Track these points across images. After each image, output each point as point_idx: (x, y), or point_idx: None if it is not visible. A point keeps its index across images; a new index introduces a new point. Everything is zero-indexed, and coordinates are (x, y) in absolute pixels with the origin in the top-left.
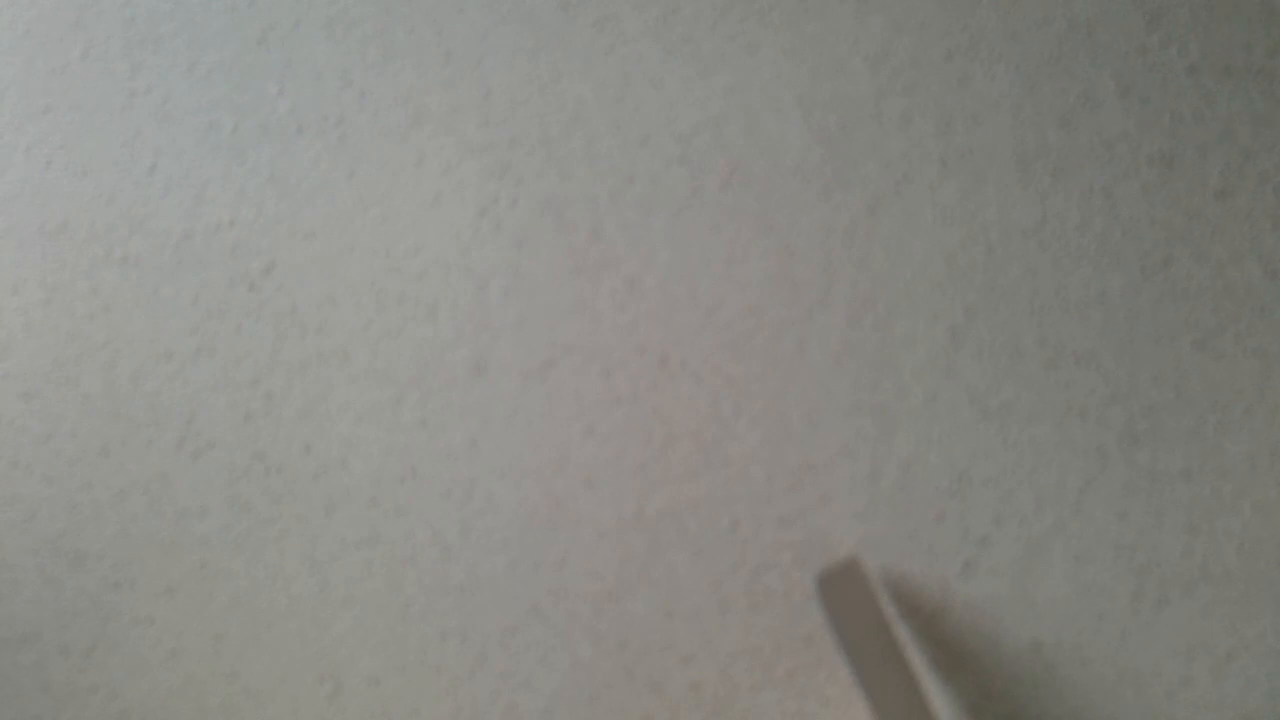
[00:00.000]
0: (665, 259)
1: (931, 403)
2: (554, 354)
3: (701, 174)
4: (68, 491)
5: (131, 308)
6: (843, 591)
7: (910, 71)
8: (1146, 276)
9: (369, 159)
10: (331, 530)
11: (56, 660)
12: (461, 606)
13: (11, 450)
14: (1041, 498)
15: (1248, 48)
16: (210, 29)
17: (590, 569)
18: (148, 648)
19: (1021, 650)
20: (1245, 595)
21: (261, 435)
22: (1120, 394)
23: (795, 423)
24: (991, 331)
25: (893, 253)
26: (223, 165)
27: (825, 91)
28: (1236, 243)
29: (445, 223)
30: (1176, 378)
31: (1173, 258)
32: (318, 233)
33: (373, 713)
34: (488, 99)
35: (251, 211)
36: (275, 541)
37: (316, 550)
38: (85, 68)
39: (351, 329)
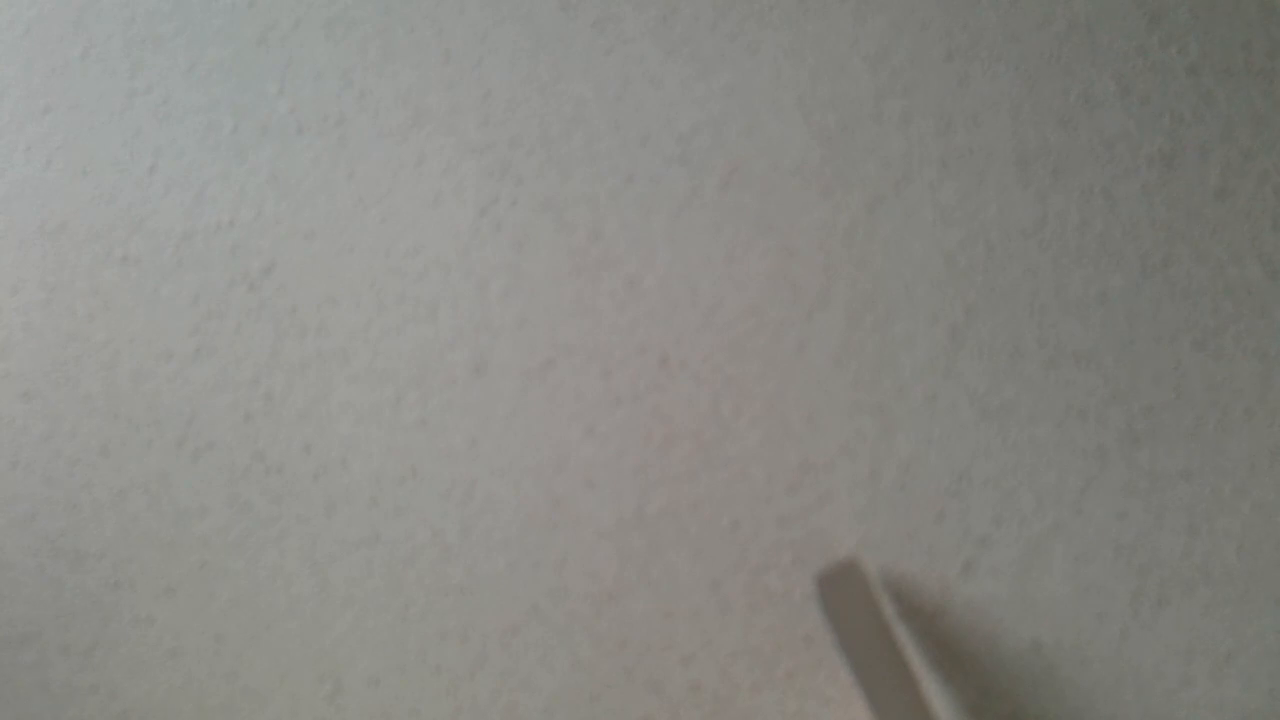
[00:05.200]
0: (665, 259)
1: (931, 403)
2: (554, 354)
3: (701, 174)
4: (68, 491)
5: (131, 308)
6: (842, 592)
7: (910, 71)
8: (1146, 276)
9: (369, 159)
10: (331, 530)
11: (56, 660)
12: (461, 606)
13: (11, 450)
14: (1041, 498)
15: (1248, 48)
16: (210, 29)
17: (590, 569)
18: (148, 648)
19: (1021, 650)
20: (1245, 595)
21: (261, 435)
22: (1120, 394)
23: (795, 423)
24: (991, 331)
25: (893, 253)
26: (223, 165)
27: (825, 91)
28: (1236, 243)
29: (445, 223)
30: (1176, 378)
31: (1173, 258)
32: (318, 233)
33: (373, 713)
34: (488, 99)
35: (251, 211)
36: (275, 541)
37: (316, 550)
38: (85, 68)
39: (351, 329)
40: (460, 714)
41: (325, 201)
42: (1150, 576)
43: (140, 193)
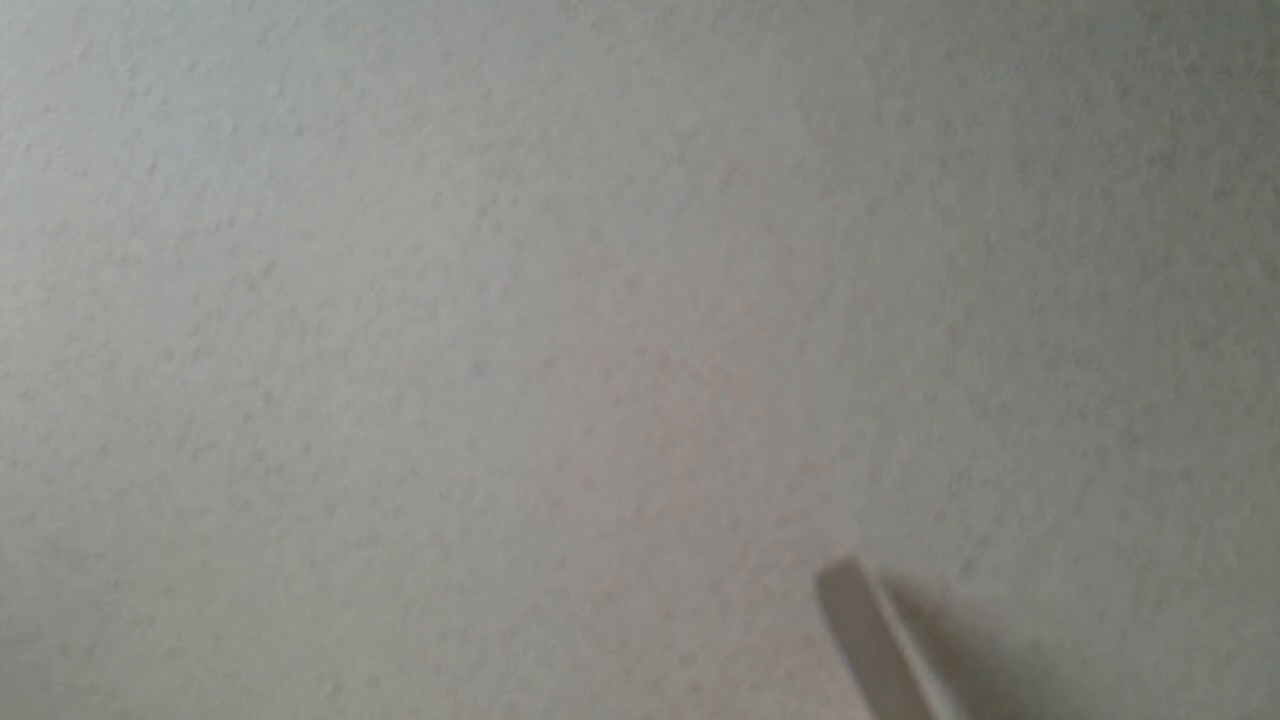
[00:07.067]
0: (665, 259)
1: (931, 403)
2: (554, 354)
3: (701, 174)
4: (68, 491)
5: (131, 308)
6: (842, 592)
7: (910, 71)
8: (1146, 276)
9: (369, 159)
10: (331, 530)
11: (56, 660)
12: (461, 606)
13: (11, 450)
14: (1041, 498)
15: (1248, 48)
16: (210, 29)
17: (590, 569)
18: (148, 648)
19: (1021, 650)
20: (1245, 595)
21: (261, 435)
22: (1120, 394)
23: (795, 423)
24: (991, 331)
25: (893, 253)
26: (223, 165)
27: (825, 91)
28: (1236, 243)
29: (445, 223)
30: (1176, 378)
31: (1173, 258)
32: (318, 233)
33: (373, 713)
34: (488, 99)
35: (251, 211)
36: (275, 541)
37: (316, 550)
38: (85, 68)
39: (351, 329)
40: (460, 714)
41: (325, 201)
42: (1150, 576)
43: (140, 193)
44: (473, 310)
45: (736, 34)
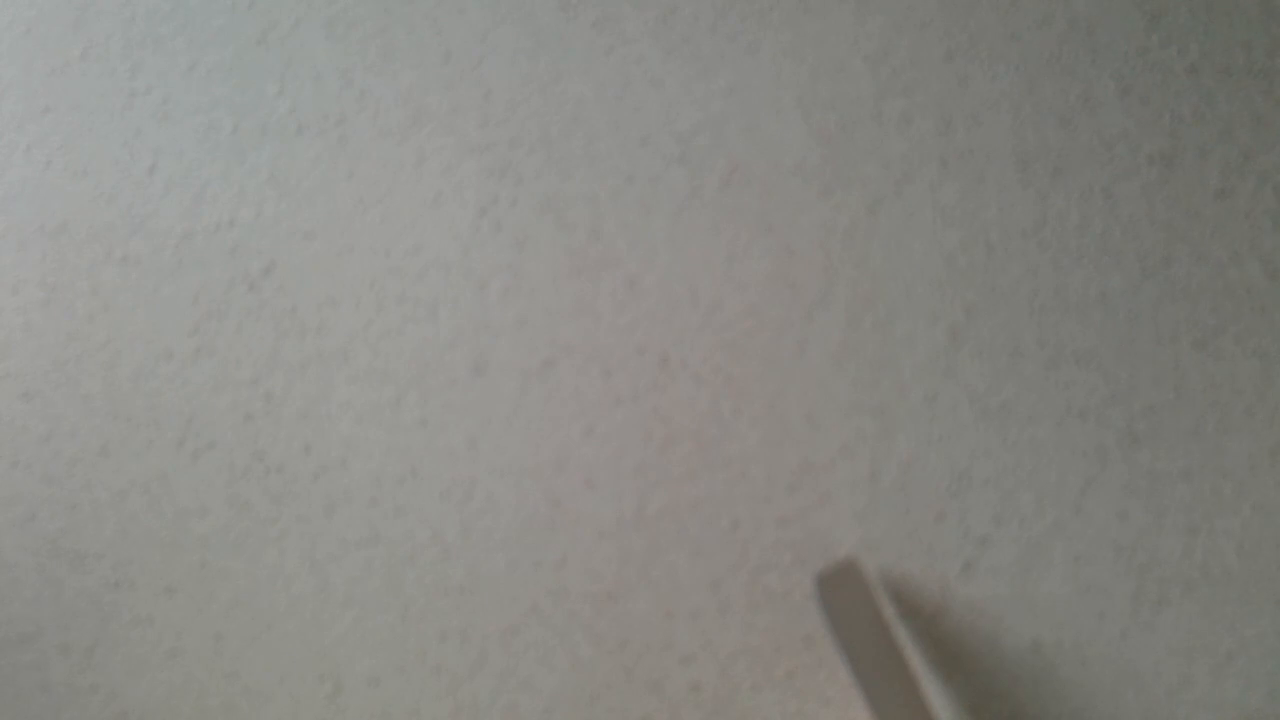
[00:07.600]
0: (665, 259)
1: (931, 403)
2: (554, 354)
3: (701, 174)
4: (68, 491)
5: (131, 308)
6: (842, 592)
7: (910, 71)
8: (1146, 276)
9: (369, 159)
10: (331, 530)
11: (56, 660)
12: (461, 606)
13: (11, 450)
14: (1041, 498)
15: (1248, 48)
16: (210, 29)
17: (590, 569)
18: (148, 648)
19: (1021, 650)
20: (1245, 595)
21: (261, 435)
22: (1120, 394)
23: (795, 423)
24: (991, 331)
25: (893, 253)
26: (223, 165)
27: (825, 91)
28: (1236, 243)
29: (445, 223)
30: (1176, 378)
31: (1173, 258)
32: (318, 233)
33: (373, 713)
34: (488, 99)
35: (251, 211)
36: (275, 541)
37: (316, 550)
38: (85, 68)
39: (351, 329)
40: (460, 714)
41: (325, 201)
42: (1150, 576)
43: (140, 193)
44: (473, 310)
45: (736, 34)
